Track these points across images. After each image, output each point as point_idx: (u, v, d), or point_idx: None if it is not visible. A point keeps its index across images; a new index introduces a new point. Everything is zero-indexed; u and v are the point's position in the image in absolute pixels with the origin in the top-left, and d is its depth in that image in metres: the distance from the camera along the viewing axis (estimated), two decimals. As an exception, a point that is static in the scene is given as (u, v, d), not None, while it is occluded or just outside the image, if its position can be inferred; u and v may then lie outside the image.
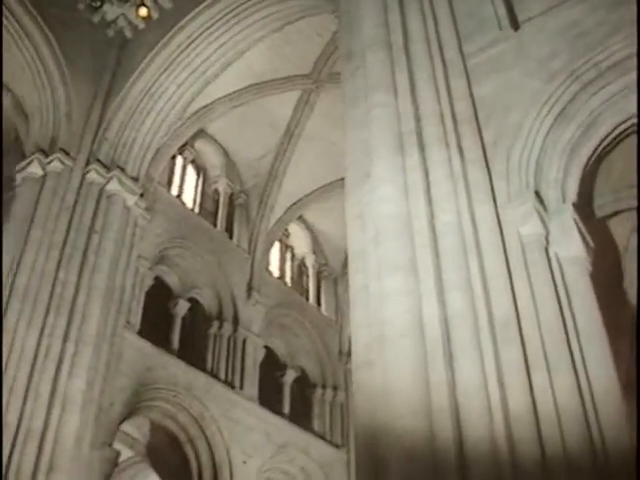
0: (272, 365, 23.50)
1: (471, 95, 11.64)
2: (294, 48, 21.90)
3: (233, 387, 20.66)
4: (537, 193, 10.26)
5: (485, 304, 9.07)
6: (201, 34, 20.51)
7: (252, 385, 21.30)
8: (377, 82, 11.88)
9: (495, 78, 11.67)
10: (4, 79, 21.08)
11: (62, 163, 18.73)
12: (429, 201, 10.14)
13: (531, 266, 9.48)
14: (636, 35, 10.42)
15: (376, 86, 11.84)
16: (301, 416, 22.98)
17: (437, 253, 9.64)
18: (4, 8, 19.48)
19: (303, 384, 24.46)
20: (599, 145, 10.75)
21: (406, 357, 8.71)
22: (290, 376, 23.82)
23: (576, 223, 9.92)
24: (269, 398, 21.82)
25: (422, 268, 9.47)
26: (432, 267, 9.44)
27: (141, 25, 22.20)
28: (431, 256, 9.56)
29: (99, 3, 21.81)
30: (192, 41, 20.65)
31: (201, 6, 20.21)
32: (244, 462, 19.42)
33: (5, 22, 19.50)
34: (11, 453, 13.95)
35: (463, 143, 10.92)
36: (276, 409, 21.89)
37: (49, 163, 18.65)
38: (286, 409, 22.69)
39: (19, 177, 18.75)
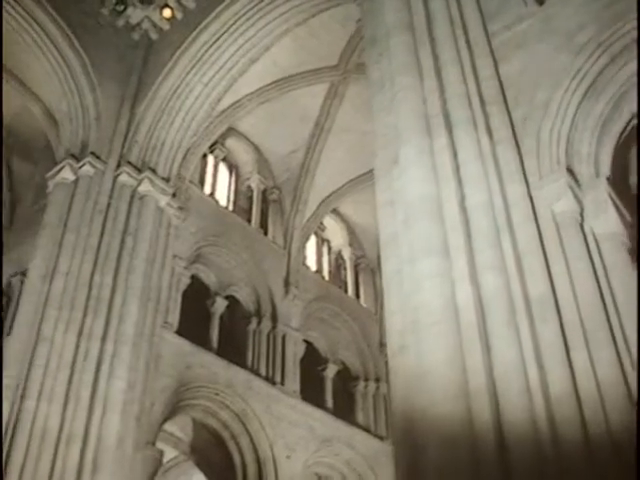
0: (313, 359, 23.37)
1: (497, 74, 11.46)
2: (319, 40, 21.74)
3: (274, 383, 20.60)
4: (569, 169, 10.07)
5: (520, 284, 8.91)
6: (225, 32, 20.43)
7: (293, 380, 21.22)
8: (402, 66, 11.78)
9: (521, 55, 11.47)
10: (33, 88, 21.36)
11: (93, 167, 18.78)
12: (459, 182, 10.01)
13: (566, 243, 9.30)
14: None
15: (401, 70, 11.74)
16: (344, 409, 22.81)
17: (469, 234, 9.50)
18: (30, 17, 19.67)
19: (345, 377, 24.32)
20: (631, 119, 10.50)
21: (441, 341, 8.59)
22: (331, 370, 23.67)
23: (611, 198, 9.71)
24: (311, 392, 21.71)
25: (454, 250, 9.34)
26: (464, 249, 9.31)
27: (165, 26, 22.20)
28: (463, 238, 9.42)
29: (123, 7, 21.87)
30: (217, 39, 20.58)
31: (223, 4, 20.14)
32: (288, 457, 19.35)
33: (30, 30, 19.67)
34: (54, 457, 14.04)
35: (491, 123, 10.76)
36: (319, 403, 21.76)
37: (80, 167, 18.71)
38: (329, 403, 22.55)
39: (51, 184, 18.84)
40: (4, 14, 19.45)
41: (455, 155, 10.29)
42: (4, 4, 19.32)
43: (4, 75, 21.46)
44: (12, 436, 14.04)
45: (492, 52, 11.68)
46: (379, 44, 12.70)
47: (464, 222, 9.53)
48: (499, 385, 8.10)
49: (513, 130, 10.68)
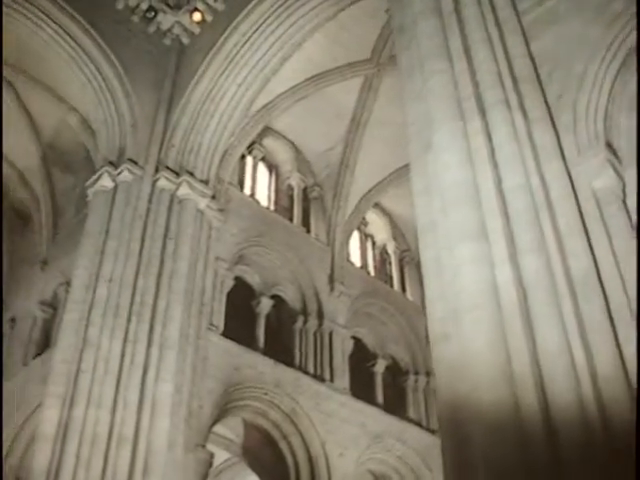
0: (361, 355, 23.16)
1: (529, 52, 11.20)
2: (350, 34, 21.58)
3: (323, 380, 20.45)
4: (608, 144, 9.79)
5: (562, 264, 8.65)
6: (255, 31, 20.39)
7: (342, 377, 21.04)
8: (431, 50, 11.59)
9: (553, 31, 11.21)
10: (69, 100, 21.60)
11: (131, 173, 18.89)
12: (495, 165, 9.77)
13: (608, 220, 9.04)
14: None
15: (430, 55, 11.55)
16: (395, 404, 22.56)
17: (507, 217, 9.26)
18: (63, 31, 19.88)
19: (395, 372, 24.05)
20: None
21: (483, 327, 8.40)
22: (381, 365, 23.43)
23: (653, 171, 9.35)
24: (361, 389, 21.51)
25: (493, 234, 9.12)
26: (503, 232, 9.08)
27: (196, 30, 22.29)
28: (501, 220, 9.19)
29: (153, 13, 21.98)
30: (247, 39, 20.56)
31: (252, 3, 20.11)
32: (340, 455, 19.18)
33: (64, 43, 19.91)
34: (105, 462, 14.12)
35: (525, 102, 10.48)
36: (369, 399, 21.54)
37: (119, 174, 18.83)
38: (379, 399, 22.32)
39: (91, 192, 18.99)
40: (39, 32, 19.77)
41: (489, 137, 10.04)
42: (39, 22, 19.61)
43: (42, 91, 21.81)
44: (62, 443, 14.19)
45: (523, 30, 11.41)
46: (407, 31, 12.52)
47: (501, 205, 9.29)
48: (544, 368, 7.87)
49: (548, 108, 10.42)
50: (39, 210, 24.00)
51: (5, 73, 21.58)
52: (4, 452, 18.36)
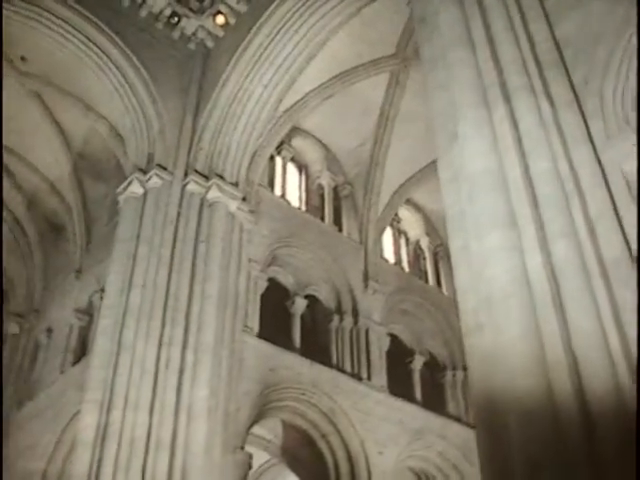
0: (398, 352, 23.00)
1: (553, 37, 11.01)
2: (374, 30, 21.46)
3: (361, 379, 20.35)
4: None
5: (593, 249, 8.49)
6: (279, 31, 20.38)
7: (380, 375, 20.92)
8: (453, 40, 11.55)
9: (577, 14, 10.96)
10: (98, 109, 21.78)
11: (161, 178, 18.97)
12: (521, 151, 9.64)
13: (640, 202, 8.78)
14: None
15: (452, 44, 11.50)
16: (434, 400, 22.37)
17: (536, 203, 9.13)
18: (89, 41, 20.05)
19: (432, 368, 23.89)
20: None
21: (515, 315, 8.31)
22: (418, 361, 23.27)
23: (685, 153, 9.12)
24: (399, 386, 21.36)
25: (522, 221, 9.03)
26: (532, 218, 8.97)
27: (220, 33, 22.36)
28: (530, 207, 9.07)
29: (176, 19, 22.10)
30: (272, 39, 20.55)
31: (274, 4, 20.12)
32: (380, 453, 19.05)
33: (91, 53, 20.09)
34: (144, 465, 14.18)
35: (550, 87, 10.33)
36: (407, 396, 21.39)
37: (148, 180, 18.94)
38: (417, 395, 22.17)
39: (121, 199, 19.13)
40: (66, 43, 20.00)
41: (515, 124, 9.91)
42: (66, 34, 19.82)
43: (70, 101, 22.01)
44: (101, 449, 14.30)
45: (546, 15, 11.21)
46: (429, 22, 12.46)
47: (530, 191, 9.16)
48: (579, 355, 7.73)
49: (574, 92, 10.23)
50: (72, 219, 24.23)
51: (33, 85, 21.91)
52: (45, 460, 18.57)
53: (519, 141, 9.74)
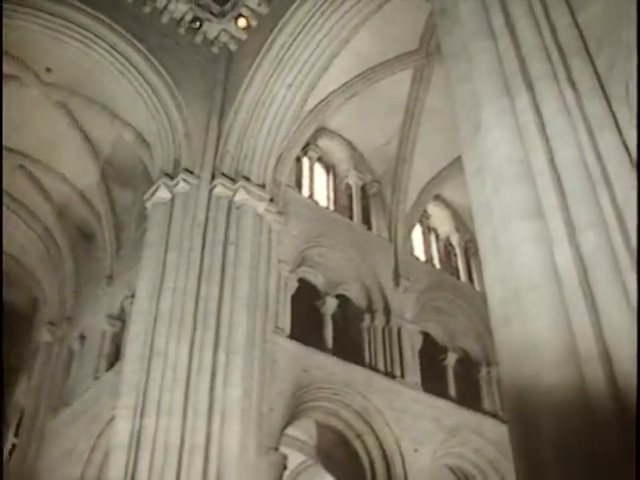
0: (431, 350, 22.84)
1: (576, 23, 10.79)
2: (397, 26, 21.34)
3: (394, 377, 20.23)
4: (667, 112, 9.31)
5: (623, 238, 8.29)
6: (301, 31, 20.35)
7: (413, 372, 20.79)
8: (474, 30, 11.37)
9: (599, -1, 10.75)
10: (123, 116, 21.96)
11: (188, 183, 19.03)
12: (546, 140, 9.45)
13: (669, 188, 8.58)
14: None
15: (473, 35, 11.34)
16: (468, 397, 22.16)
17: (562, 192, 8.94)
18: (113, 49, 20.19)
19: (466, 364, 23.66)
20: None
21: (544, 307, 8.12)
22: (452, 358, 23.08)
23: None
24: (433, 383, 21.23)
25: (548, 211, 8.83)
26: (559, 208, 8.77)
27: (243, 36, 22.38)
28: (556, 197, 8.87)
29: (198, 24, 22.18)
30: (294, 40, 20.53)
31: (295, 4, 20.11)
32: (416, 451, 18.92)
33: (114, 61, 20.23)
34: (178, 469, 14.20)
35: (574, 74, 10.12)
36: (442, 393, 21.23)
37: (175, 185, 19.01)
38: (452, 392, 22.00)
39: (149, 204, 19.21)
40: (89, 52, 20.20)
41: (539, 112, 9.72)
42: (89, 43, 19.99)
43: (96, 109, 22.21)
44: (136, 453, 14.35)
45: (567, 1, 11.00)
46: (449, 14, 12.30)
47: (556, 181, 8.96)
48: (610, 346, 7.53)
49: (598, 78, 10.02)
50: (102, 227, 24.42)
51: (58, 96, 22.10)
52: (82, 465, 18.71)
53: (543, 129, 9.56)
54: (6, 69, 21.19)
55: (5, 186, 25.44)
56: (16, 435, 24.77)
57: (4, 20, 19.07)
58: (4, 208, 25.84)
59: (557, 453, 7.24)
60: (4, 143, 23.73)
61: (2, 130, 20.12)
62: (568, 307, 8.02)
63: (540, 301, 8.20)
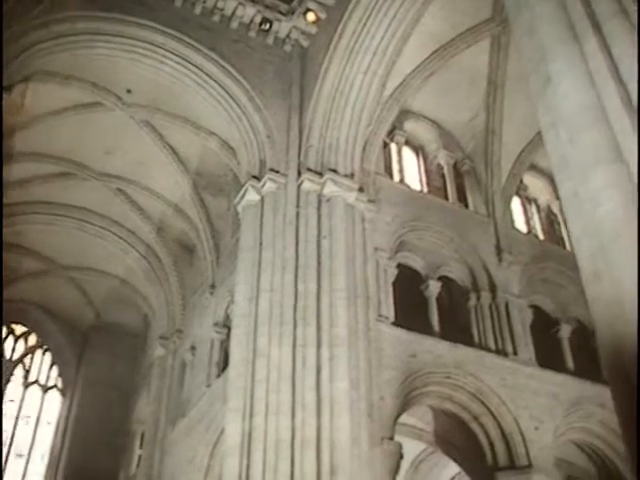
0: (543, 323, 22.11)
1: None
2: (464, -2, 20.81)
3: (506, 354, 19.69)
4: None
5: None
6: (370, 15, 20.04)
7: (526, 348, 20.16)
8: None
9: None
10: (206, 126, 22.27)
11: (275, 182, 19.08)
12: (619, 81, 8.83)
13: None
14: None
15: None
16: (587, 368, 21.24)
17: (641, 133, 8.36)
18: (185, 61, 20.46)
19: (582, 335, 22.72)
20: None
21: (632, 259, 7.55)
22: (565, 330, 22.29)
23: None
24: (548, 358, 20.51)
25: (628, 154, 8.23)
26: (638, 148, 8.18)
27: (313, 30, 22.24)
28: (635, 137, 8.28)
29: (268, 25, 22.19)
30: (364, 25, 20.24)
31: (359, -12, 19.83)
32: (536, 428, 18.27)
33: (187, 71, 20.50)
34: (292, 466, 14.20)
35: (645, 10, 9.48)
36: (558, 367, 20.50)
37: (263, 186, 19.07)
38: (569, 365, 21.24)
39: (240, 208, 19.35)
40: (163, 67, 20.53)
41: (609, 53, 9.13)
42: (162, 59, 20.32)
43: (179, 123, 22.60)
44: (249, 453, 14.41)
45: None
46: (510, -30, 11.80)
47: (633, 120, 8.37)
48: None
49: (672, 11, 9.37)
50: (200, 237, 24.82)
51: (142, 115, 22.60)
52: (203, 472, 18.99)
53: (615, 70, 8.96)
54: (89, 97, 21.90)
55: (106, 211, 26.29)
56: (141, 447, 25.51)
57: (83, 51, 19.63)
58: (108, 232, 26.70)
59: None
60: (100, 170, 24.56)
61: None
62: (659, 253, 7.49)
63: (627, 254, 7.67)
